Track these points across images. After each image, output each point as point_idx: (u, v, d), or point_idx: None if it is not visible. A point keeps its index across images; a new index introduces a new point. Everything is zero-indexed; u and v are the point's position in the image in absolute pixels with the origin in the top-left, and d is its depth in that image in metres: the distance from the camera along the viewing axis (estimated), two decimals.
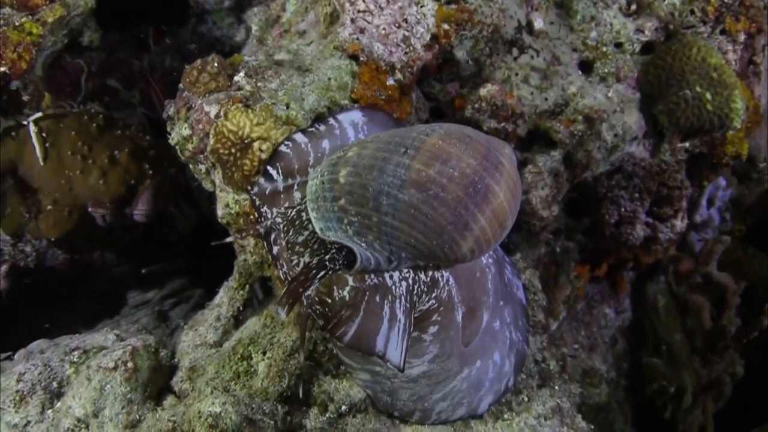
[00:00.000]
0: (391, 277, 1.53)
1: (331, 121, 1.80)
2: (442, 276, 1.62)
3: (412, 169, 1.37)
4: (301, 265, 1.51)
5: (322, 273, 1.39)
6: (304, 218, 1.55)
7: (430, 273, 1.59)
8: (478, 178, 1.38)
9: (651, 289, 3.16)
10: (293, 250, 1.53)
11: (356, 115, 1.84)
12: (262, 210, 1.70)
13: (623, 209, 2.48)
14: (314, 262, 1.43)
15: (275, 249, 1.62)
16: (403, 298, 1.53)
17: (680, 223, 2.55)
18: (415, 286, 1.56)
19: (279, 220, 1.61)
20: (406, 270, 1.55)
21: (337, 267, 1.42)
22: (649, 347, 3.17)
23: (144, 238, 2.71)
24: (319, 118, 1.86)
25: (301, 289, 1.35)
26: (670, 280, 3.07)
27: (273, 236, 1.63)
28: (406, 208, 1.37)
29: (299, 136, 1.76)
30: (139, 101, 2.94)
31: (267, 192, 1.71)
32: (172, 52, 3.06)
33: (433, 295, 1.61)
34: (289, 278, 1.54)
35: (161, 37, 3.08)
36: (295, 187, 1.68)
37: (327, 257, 1.42)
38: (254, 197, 1.72)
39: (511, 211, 1.46)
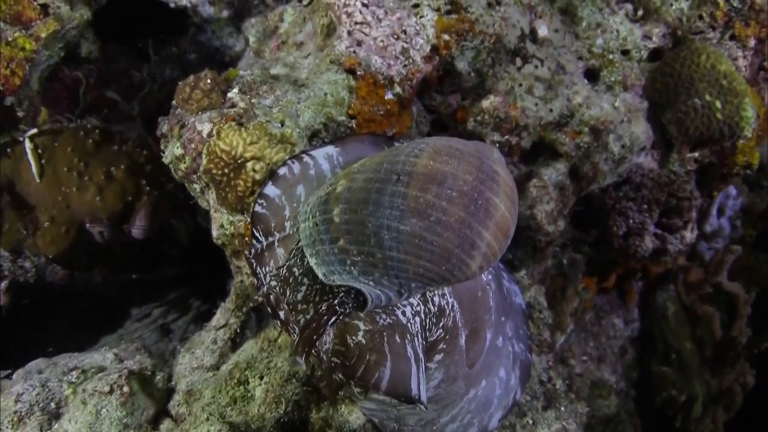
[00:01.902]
0: (404, 314, 1.46)
1: (306, 158, 1.70)
2: (448, 303, 1.57)
3: (409, 196, 1.30)
4: None
5: (333, 318, 1.31)
6: (296, 273, 1.45)
7: (437, 302, 1.53)
8: (477, 194, 1.31)
9: (661, 298, 3.10)
10: (297, 310, 1.42)
11: (330, 149, 1.74)
12: (257, 273, 1.63)
13: (631, 221, 2.42)
14: (323, 308, 1.34)
15: (281, 314, 1.52)
16: (419, 335, 1.47)
17: (690, 234, 2.48)
18: (427, 320, 1.50)
19: (273, 283, 1.50)
20: (416, 303, 1.48)
21: (348, 310, 1.34)
22: (658, 356, 3.11)
23: (142, 252, 2.68)
24: (313, 136, 1.82)
25: (314, 336, 1.26)
26: (680, 290, 3.00)
27: (273, 300, 1.52)
28: (410, 239, 1.30)
29: (270, 189, 1.66)
30: (138, 113, 2.90)
31: (259, 251, 1.64)
32: (172, 62, 3.01)
33: (441, 324, 1.56)
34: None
35: (161, 46, 3.04)
36: (276, 243, 1.61)
37: (336, 301, 1.34)
38: (252, 261, 1.64)
39: (512, 219, 1.40)
